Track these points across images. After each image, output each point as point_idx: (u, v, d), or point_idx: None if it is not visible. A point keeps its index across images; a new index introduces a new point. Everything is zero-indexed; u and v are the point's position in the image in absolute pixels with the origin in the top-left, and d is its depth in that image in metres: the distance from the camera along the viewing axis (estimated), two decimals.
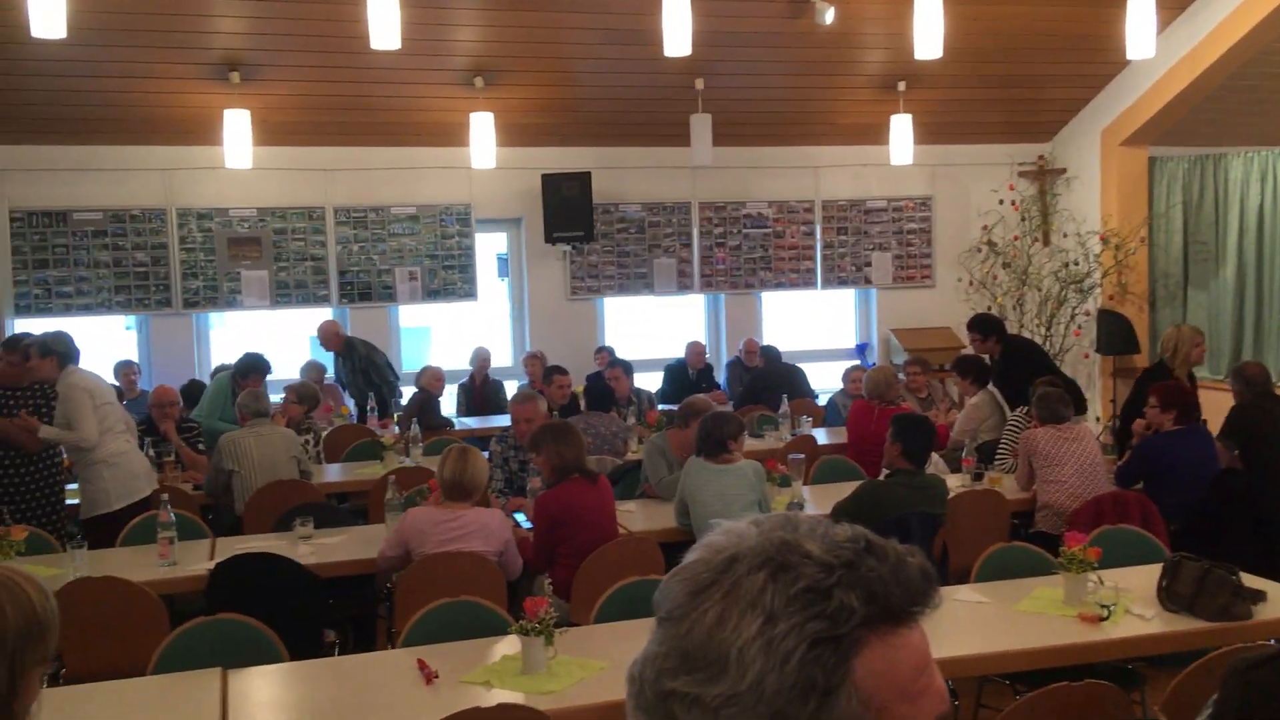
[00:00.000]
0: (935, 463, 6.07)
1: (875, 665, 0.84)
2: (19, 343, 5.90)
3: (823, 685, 0.82)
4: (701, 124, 9.48)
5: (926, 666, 0.88)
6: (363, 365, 8.96)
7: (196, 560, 4.94)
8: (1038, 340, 9.85)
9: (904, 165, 10.18)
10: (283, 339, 12.09)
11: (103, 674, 3.69)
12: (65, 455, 6.09)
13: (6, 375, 5.89)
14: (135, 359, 9.29)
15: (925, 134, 10.07)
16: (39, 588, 1.58)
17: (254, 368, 7.65)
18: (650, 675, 0.88)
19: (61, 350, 5.81)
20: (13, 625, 1.50)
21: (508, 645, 3.61)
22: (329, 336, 9.00)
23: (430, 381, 8.70)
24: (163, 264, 9.40)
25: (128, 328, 12.24)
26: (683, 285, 10.75)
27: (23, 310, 9.05)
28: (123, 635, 4.22)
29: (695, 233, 10.68)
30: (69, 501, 6.14)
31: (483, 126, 9.07)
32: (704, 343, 10.31)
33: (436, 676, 3.35)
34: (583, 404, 7.54)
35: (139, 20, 7.72)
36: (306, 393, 7.67)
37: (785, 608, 0.84)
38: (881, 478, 5.34)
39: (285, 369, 9.43)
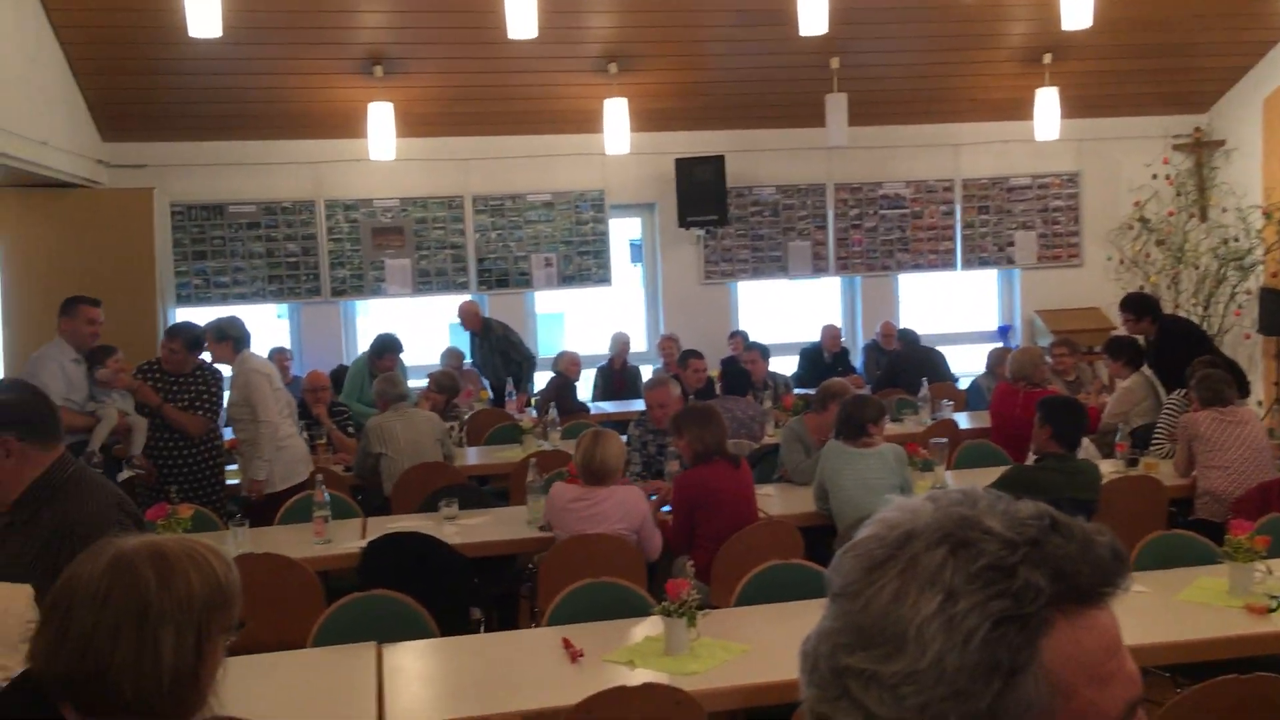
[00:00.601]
0: (1086, 447, 5.85)
1: (1063, 647, 0.81)
2: (182, 331, 6.20)
3: (1008, 666, 0.80)
4: (837, 103, 9.33)
5: (1117, 649, 0.84)
6: (500, 345, 9.14)
7: (349, 538, 5.12)
8: (1195, 320, 9.41)
9: (1050, 141, 9.84)
10: (423, 326, 12.42)
11: (263, 646, 3.85)
12: (232, 437, 6.37)
13: (170, 362, 6.18)
14: (287, 346, 9.67)
15: (1072, 108, 9.70)
16: (222, 559, 1.64)
17: (387, 347, 7.92)
18: (825, 651, 0.87)
19: (236, 335, 6.08)
20: (200, 594, 1.56)
21: (649, 626, 3.63)
22: (468, 315, 9.20)
23: (567, 366, 8.81)
24: (312, 254, 9.75)
25: (279, 316, 12.75)
26: (818, 268, 10.62)
27: (184, 300, 9.50)
28: (282, 609, 4.40)
29: (830, 214, 10.53)
30: (229, 482, 6.43)
31: (616, 112, 9.11)
32: (839, 326, 10.17)
33: (582, 655, 3.40)
34: (718, 388, 7.53)
35: (289, 18, 8.01)
36: (446, 382, 7.86)
37: (966, 585, 0.81)
38: (1030, 462, 5.18)
39: (426, 355, 9.69)
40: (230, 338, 6.06)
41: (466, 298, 9.88)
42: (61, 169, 7.89)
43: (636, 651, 3.44)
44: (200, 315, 7.29)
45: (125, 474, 5.88)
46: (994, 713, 0.80)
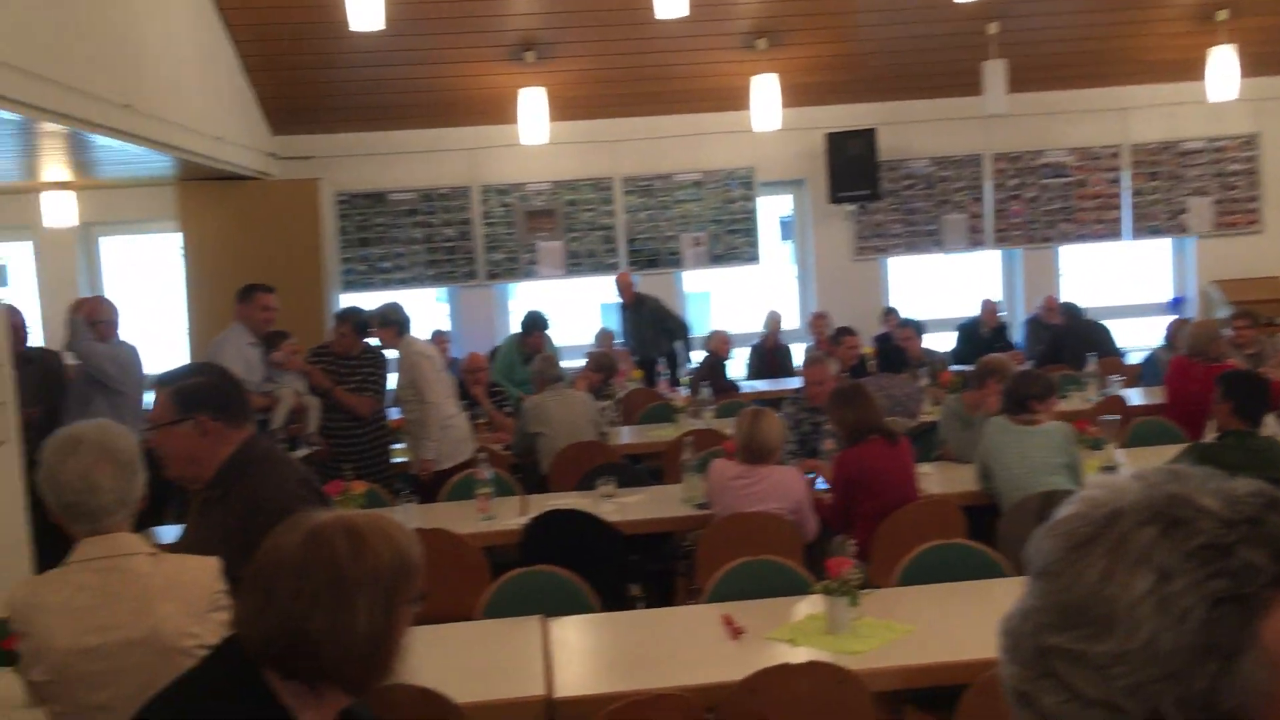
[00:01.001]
0: (1269, 424, 5.53)
1: None
2: (350, 315, 6.45)
3: (1226, 647, 0.77)
4: (995, 70, 9.03)
5: None
6: (654, 317, 9.21)
7: (510, 515, 5.24)
8: None
9: (1226, 101, 9.30)
10: (574, 308, 12.61)
11: (432, 617, 3.99)
12: (397, 417, 6.61)
13: (339, 345, 6.45)
14: (447, 328, 9.95)
15: (1251, 66, 9.15)
16: (406, 533, 1.72)
17: (536, 324, 8.11)
18: (1027, 629, 0.85)
19: (398, 320, 6.30)
20: (388, 565, 1.64)
21: (810, 605, 3.61)
22: (624, 286, 9.29)
23: (718, 345, 8.82)
24: (468, 238, 10.00)
25: (438, 299, 13.12)
26: (974, 241, 10.32)
27: (348, 286, 9.88)
28: (448, 582, 4.54)
29: (988, 185, 10.22)
30: (395, 460, 6.67)
31: (765, 88, 9.03)
32: (998, 300, 9.87)
33: (743, 632, 3.41)
34: (872, 365, 7.42)
35: (446, 8, 8.21)
36: (604, 362, 7.97)
37: (1181, 564, 0.79)
38: (1209, 439, 4.93)
39: (576, 336, 9.85)
40: (393, 323, 6.27)
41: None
42: (236, 162, 8.30)
43: (798, 629, 3.43)
44: (363, 300, 7.58)
45: (302, 452, 6.16)
46: (1211, 695, 0.77)
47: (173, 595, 2.24)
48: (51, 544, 5.32)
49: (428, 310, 12.21)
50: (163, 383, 2.63)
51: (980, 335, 9.39)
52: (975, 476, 5.13)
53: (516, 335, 8.32)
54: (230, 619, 2.29)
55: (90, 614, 2.21)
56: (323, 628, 1.60)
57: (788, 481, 4.60)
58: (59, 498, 2.26)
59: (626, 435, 7.40)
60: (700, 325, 10.57)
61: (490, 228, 10.02)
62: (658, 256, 10.15)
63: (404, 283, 10.00)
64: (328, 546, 1.63)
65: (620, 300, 9.38)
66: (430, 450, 6.13)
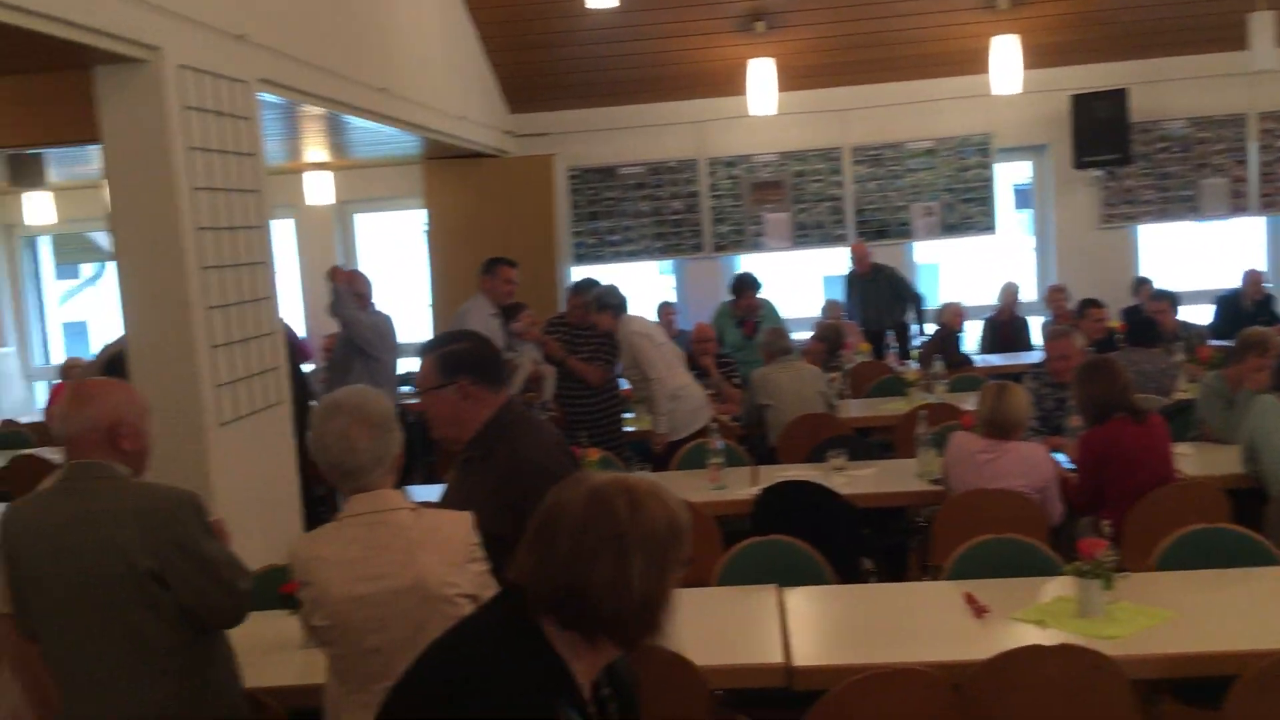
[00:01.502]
0: None
1: None
2: (585, 287, 6.65)
3: None
4: (1262, 23, 8.31)
5: None
6: (891, 286, 9.06)
7: (740, 485, 5.28)
8: None
9: None
10: (798, 279, 12.51)
11: None
12: (627, 387, 6.77)
13: (574, 316, 6.65)
14: (673, 300, 10.08)
15: None
16: (677, 499, 1.76)
17: (746, 284, 8.13)
18: None
19: (615, 303, 6.43)
20: (662, 525, 1.70)
21: (1059, 586, 3.47)
22: (861, 257, 9.16)
23: (951, 318, 8.56)
24: (695, 211, 10.08)
25: (661, 272, 13.31)
26: (1235, 207, 9.58)
27: (579, 259, 10.15)
28: None
29: (1253, 147, 9.45)
30: (626, 429, 6.83)
31: (1006, 50, 8.65)
32: (1264, 270, 9.13)
33: (987, 611, 3.31)
34: (1120, 339, 7.02)
35: None
36: (829, 333, 7.88)
37: None
38: None
39: (800, 308, 9.78)
40: (609, 306, 6.39)
41: (844, 251, 9.86)
42: (477, 141, 8.65)
43: (1046, 611, 3.31)
44: (593, 273, 7.77)
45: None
46: None
47: (433, 547, 2.38)
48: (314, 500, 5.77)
49: (652, 283, 12.40)
50: (427, 349, 2.79)
51: (1243, 308, 8.72)
52: (1240, 458, 4.79)
53: (728, 300, 8.37)
54: (512, 568, 2.43)
55: (360, 564, 2.37)
56: (601, 582, 1.66)
57: (1034, 458, 4.42)
58: (324, 457, 2.45)
59: (854, 408, 7.30)
60: (929, 298, 10.28)
61: (717, 200, 10.06)
62: (887, 227, 9.93)
63: (632, 255, 10.19)
64: (609, 504, 1.69)
65: (851, 270, 9.25)
66: (661, 424, 6.23)
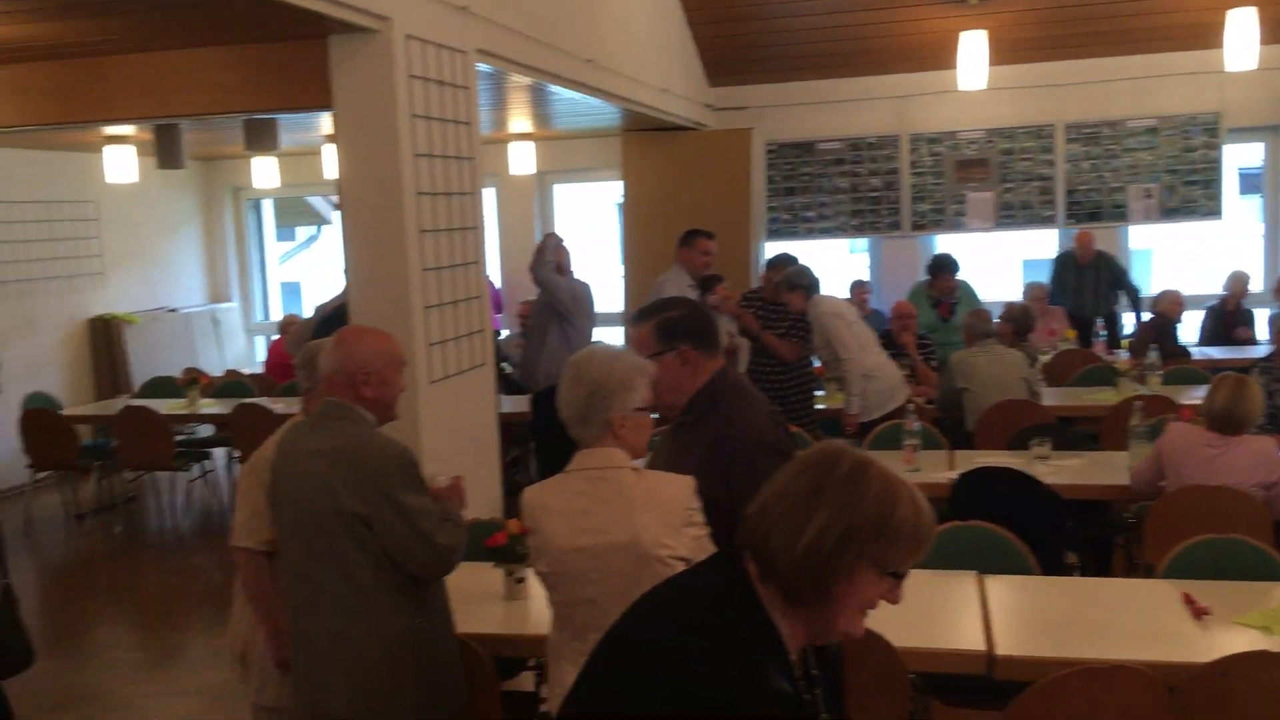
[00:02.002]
0: None
1: None
2: (783, 263, 6.62)
3: None
4: None
5: None
6: (1113, 275, 8.68)
7: (936, 469, 5.16)
8: None
9: None
10: (997, 261, 12.09)
11: None
12: (819, 365, 6.70)
13: (769, 291, 6.62)
14: (866, 279, 9.91)
15: None
16: (925, 512, 1.63)
17: (943, 265, 7.91)
18: None
19: (805, 283, 6.36)
20: (868, 509, 1.60)
21: None
22: (1086, 244, 8.80)
23: (1169, 306, 8.10)
24: (893, 188, 9.86)
25: (852, 250, 13.09)
26: None
27: (772, 234, 10.08)
28: None
29: None
30: (817, 406, 6.77)
31: (1243, 22, 8.07)
32: None
33: (1207, 612, 3.14)
34: None
35: None
36: (1017, 314, 7.56)
37: None
38: None
39: (1000, 292, 9.43)
40: (800, 287, 6.32)
41: (1051, 233, 9.48)
42: (677, 113, 8.69)
43: (1273, 617, 3.11)
44: (787, 249, 7.70)
45: None
46: None
47: (651, 507, 2.43)
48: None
49: (843, 261, 12.21)
50: (641, 318, 2.82)
51: None
52: None
53: (923, 280, 8.16)
54: (702, 534, 2.46)
55: (583, 517, 2.44)
56: (780, 520, 1.63)
57: (1265, 453, 4.14)
58: (560, 412, 2.53)
59: (1055, 397, 7.01)
60: (1142, 285, 9.76)
61: (917, 177, 9.81)
62: (1100, 209, 9.46)
63: (826, 232, 10.05)
64: (830, 460, 1.67)
65: (1065, 254, 8.89)
66: (854, 405, 6.15)
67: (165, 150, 7.45)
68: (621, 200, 9.64)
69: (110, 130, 7.98)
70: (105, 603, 6.59)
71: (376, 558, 2.75)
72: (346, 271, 4.56)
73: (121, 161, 8.49)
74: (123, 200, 10.31)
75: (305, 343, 5.81)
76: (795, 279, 6.39)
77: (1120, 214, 9.44)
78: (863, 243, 10.80)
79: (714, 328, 2.85)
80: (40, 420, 7.94)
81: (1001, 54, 8.83)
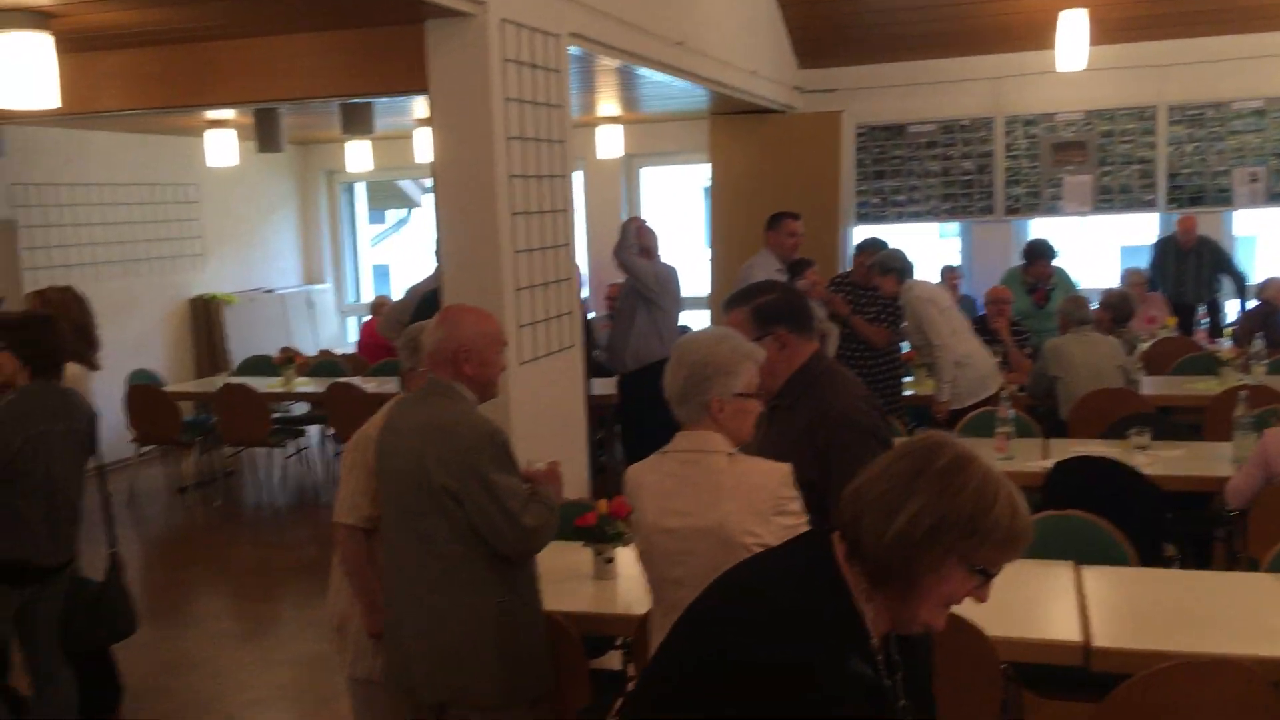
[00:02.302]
0: None
1: None
2: (873, 247, 6.55)
3: None
4: None
5: None
6: (1217, 262, 8.44)
7: (1029, 457, 5.07)
8: None
9: None
10: (1092, 247, 11.79)
11: None
12: (908, 350, 6.63)
13: (860, 274, 6.55)
14: (957, 264, 9.74)
15: None
16: (1020, 511, 1.61)
17: (1039, 251, 7.75)
18: None
19: (898, 267, 6.29)
20: (964, 504, 1.56)
21: None
22: (1189, 229, 8.57)
23: (1276, 294, 7.82)
24: (987, 172, 9.67)
25: (942, 235, 12.86)
26: None
27: (861, 218, 9.97)
28: None
29: None
30: (905, 393, 6.70)
31: None
32: None
33: None
34: None
35: None
36: (1116, 300, 7.37)
37: None
38: None
39: (1097, 278, 9.20)
40: (893, 270, 6.24)
41: (1151, 217, 9.23)
42: (766, 96, 8.63)
43: None
44: (876, 233, 7.61)
45: None
46: None
47: (739, 494, 2.42)
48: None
49: (932, 246, 12.00)
50: (736, 303, 2.81)
51: None
52: None
53: (1018, 266, 8.00)
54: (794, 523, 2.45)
55: (671, 498, 2.46)
56: (876, 497, 1.62)
57: None
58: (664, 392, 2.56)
59: (1154, 385, 6.83)
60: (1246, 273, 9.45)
61: (1012, 161, 9.60)
62: (1203, 194, 9.16)
63: (917, 216, 9.90)
64: (932, 450, 1.64)
65: (1166, 239, 8.64)
66: (944, 392, 6.08)
67: (265, 134, 7.64)
68: (709, 184, 9.61)
69: (212, 114, 8.20)
70: (205, 573, 6.82)
71: (464, 534, 2.80)
72: (440, 253, 4.63)
73: (223, 145, 8.72)
74: (223, 183, 10.59)
75: (400, 324, 5.92)
76: (888, 262, 6.32)
77: (1224, 198, 9.14)
78: (953, 227, 10.60)
79: (809, 311, 2.83)
80: (144, 396, 8.22)
81: (1102, 33, 8.58)
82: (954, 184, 9.77)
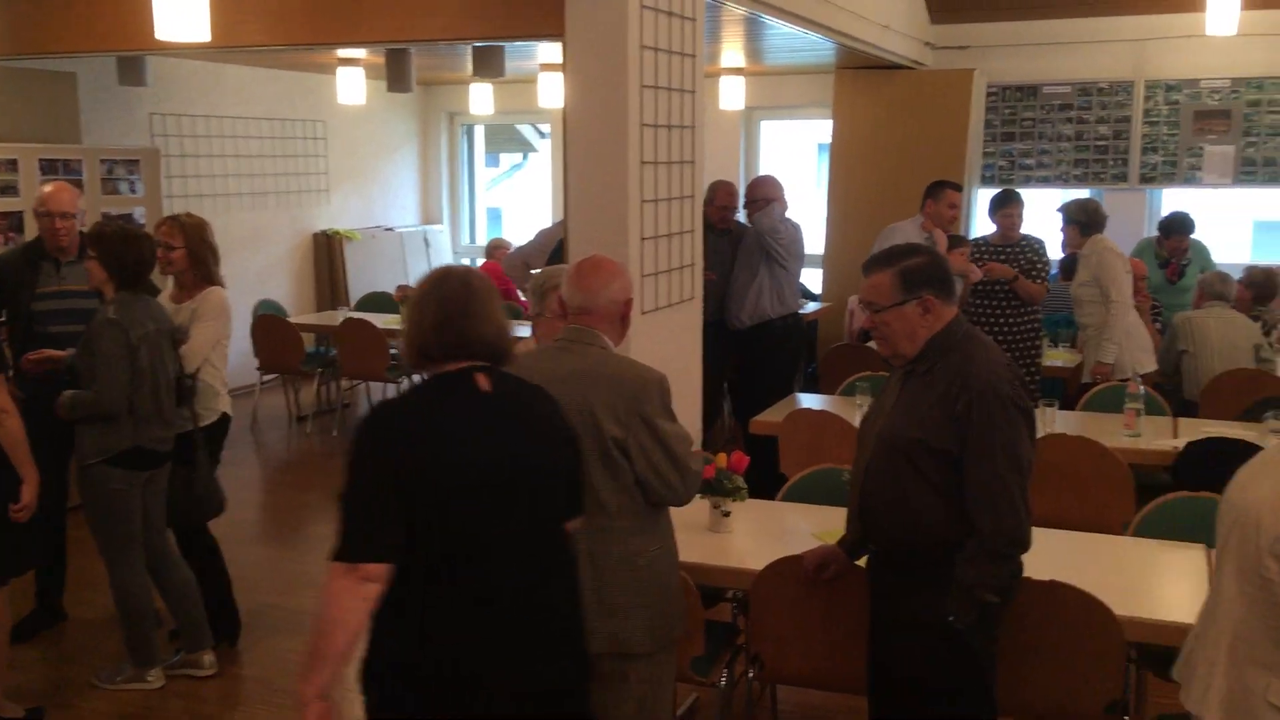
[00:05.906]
0: None
1: None
2: (1011, 199, 6.43)
3: None
4: None
5: None
6: None
7: (1157, 435, 4.93)
8: None
9: None
10: (1225, 221, 11.32)
11: (1069, 523, 3.90)
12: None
13: (1007, 227, 6.42)
14: None
15: None
16: None
17: (1177, 225, 7.50)
18: None
19: (1083, 220, 6.07)
20: None
21: None
22: None
23: None
24: (1123, 137, 9.31)
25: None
26: None
27: (987, 181, 9.70)
28: (1089, 492, 4.42)
29: None
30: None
31: None
32: None
33: None
34: None
35: None
36: (1259, 278, 7.07)
37: None
38: None
39: (1233, 254, 8.84)
40: (1076, 223, 6.05)
41: None
42: (895, 51, 8.42)
43: None
44: None
45: None
46: None
47: None
48: None
49: (1052, 212, 11.59)
50: (878, 265, 2.74)
51: None
52: None
53: (1152, 237, 7.72)
54: None
55: None
56: None
57: None
58: None
59: None
60: None
61: (1151, 127, 9.23)
62: None
63: (1045, 181, 9.60)
64: None
65: None
66: (1109, 353, 5.80)
67: (395, 74, 7.74)
68: (829, 140, 9.45)
69: (344, 53, 8.33)
70: (321, 499, 7.04)
71: (626, 481, 2.75)
72: (567, 200, 4.65)
73: (352, 83, 8.86)
74: (349, 121, 10.79)
75: (530, 267, 5.99)
76: (1073, 214, 6.11)
77: None
78: (1083, 194, 10.25)
79: (952, 275, 2.77)
80: (269, 326, 8.48)
81: None
82: (1087, 149, 9.44)
